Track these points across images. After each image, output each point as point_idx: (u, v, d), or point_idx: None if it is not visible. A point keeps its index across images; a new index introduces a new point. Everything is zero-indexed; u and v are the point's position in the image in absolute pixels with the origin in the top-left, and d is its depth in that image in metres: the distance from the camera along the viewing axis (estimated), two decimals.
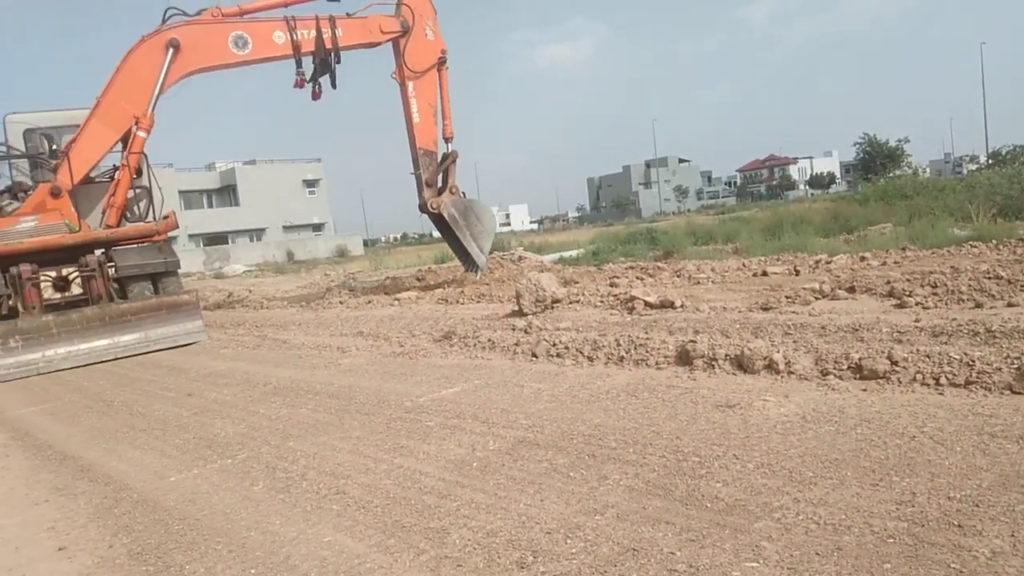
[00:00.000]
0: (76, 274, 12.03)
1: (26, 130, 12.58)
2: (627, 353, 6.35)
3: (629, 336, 6.68)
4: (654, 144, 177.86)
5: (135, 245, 12.63)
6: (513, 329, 8.11)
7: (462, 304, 11.77)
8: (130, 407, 7.45)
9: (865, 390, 4.72)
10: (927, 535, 2.76)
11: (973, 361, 4.63)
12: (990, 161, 61.40)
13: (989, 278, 7.33)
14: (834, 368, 5.11)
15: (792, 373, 5.23)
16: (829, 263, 10.74)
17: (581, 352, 6.70)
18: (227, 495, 4.26)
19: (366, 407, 5.99)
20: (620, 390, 5.44)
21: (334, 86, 13.91)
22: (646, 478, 3.66)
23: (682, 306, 7.98)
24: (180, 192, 61.64)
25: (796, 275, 10.11)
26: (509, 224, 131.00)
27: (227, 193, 71.31)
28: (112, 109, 12.12)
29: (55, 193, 11.72)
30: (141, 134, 12.29)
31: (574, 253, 20.84)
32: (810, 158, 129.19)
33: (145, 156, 12.71)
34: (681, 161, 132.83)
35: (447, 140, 14.74)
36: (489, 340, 7.87)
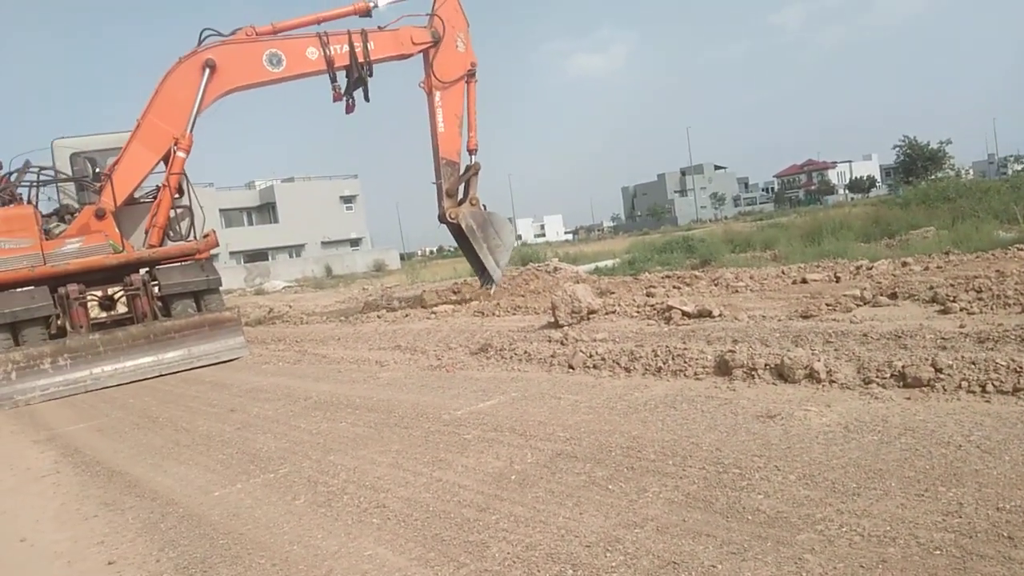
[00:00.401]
0: (121, 293, 12.32)
1: (72, 154, 12.95)
2: (665, 364, 6.31)
3: (666, 346, 6.64)
4: (689, 151, 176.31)
5: (178, 264, 12.91)
6: (549, 341, 8.12)
7: (498, 316, 11.81)
8: (175, 423, 7.60)
9: (909, 398, 4.63)
10: (975, 547, 2.70)
11: (1021, 367, 4.52)
12: None
13: None
14: (877, 376, 5.02)
15: (834, 382, 5.15)
16: (870, 269, 10.57)
17: (618, 363, 6.67)
18: (270, 509, 4.32)
19: (405, 420, 6.03)
20: (658, 401, 5.41)
21: (367, 99, 14.10)
22: (686, 490, 3.63)
23: (720, 315, 7.91)
24: (221, 211, 62.86)
25: (836, 282, 9.96)
26: (544, 235, 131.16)
27: (266, 211, 72.47)
28: (152, 131, 12.43)
29: (99, 215, 12.04)
30: (180, 154, 12.58)
31: (609, 263, 20.79)
32: (849, 162, 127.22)
33: (186, 176, 12.99)
34: (717, 168, 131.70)
35: (471, 152, 14.83)
36: (525, 352, 7.88)
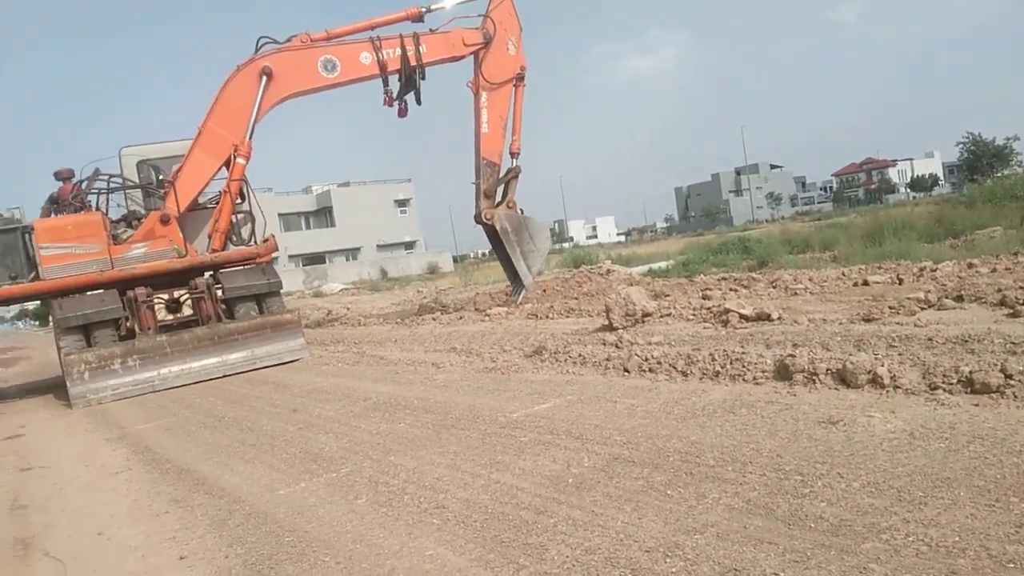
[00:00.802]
0: (187, 296, 12.71)
1: (139, 161, 13.43)
2: (723, 368, 6.25)
3: (724, 350, 6.58)
4: (744, 150, 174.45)
5: (241, 267, 13.26)
6: (604, 344, 8.11)
7: (551, 319, 11.83)
8: (240, 422, 7.82)
9: (977, 405, 4.51)
10: None
11: None
12: None
13: None
14: (943, 382, 4.90)
15: (898, 388, 5.04)
16: (934, 271, 10.27)
17: (675, 367, 6.64)
18: (333, 508, 4.43)
19: (462, 422, 6.11)
20: (717, 406, 5.37)
21: (419, 102, 14.22)
22: (746, 497, 3.61)
23: (779, 318, 7.79)
24: (279, 215, 64.28)
25: (899, 284, 9.71)
26: (596, 236, 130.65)
27: (323, 215, 73.87)
28: (212, 138, 12.79)
29: (164, 220, 12.45)
30: (240, 161, 12.91)
31: (663, 265, 20.62)
32: (910, 160, 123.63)
33: (247, 181, 13.34)
34: (773, 167, 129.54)
35: (513, 155, 14.83)
36: (580, 355, 7.89)
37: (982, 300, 7.35)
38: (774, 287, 11.10)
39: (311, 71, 13.36)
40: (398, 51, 13.65)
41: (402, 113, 14.27)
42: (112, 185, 13.29)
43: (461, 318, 14.25)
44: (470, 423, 6.03)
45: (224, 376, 11.89)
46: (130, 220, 13.23)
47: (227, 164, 12.95)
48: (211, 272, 13.21)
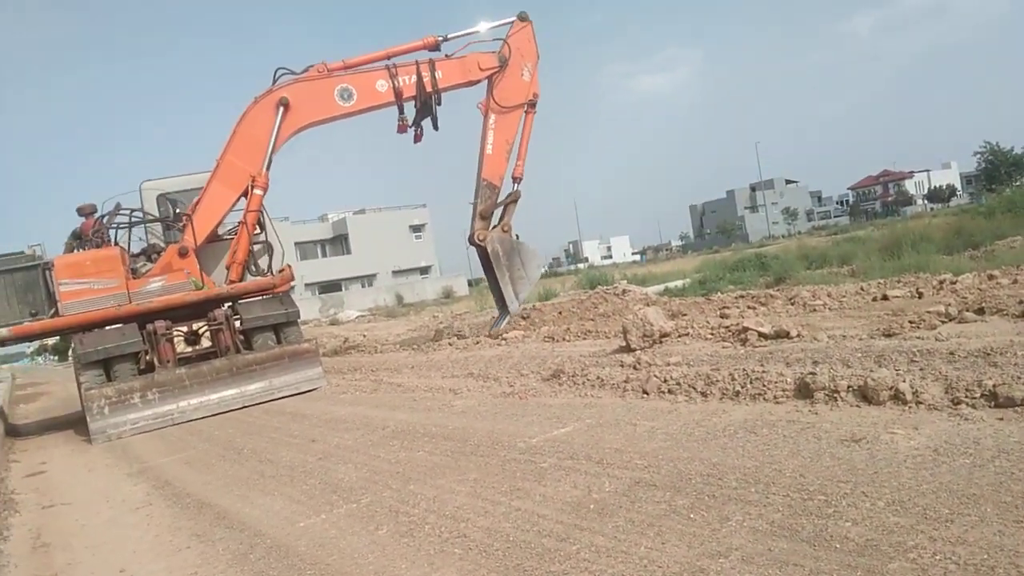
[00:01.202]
0: (205, 328, 12.79)
1: (159, 195, 13.59)
2: (743, 387, 6.20)
3: (744, 369, 6.53)
4: (758, 166, 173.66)
5: (258, 298, 13.34)
6: (622, 366, 8.07)
7: (568, 341, 11.80)
8: (259, 454, 7.83)
9: (1002, 419, 4.44)
10: None
11: None
12: None
13: None
14: (966, 396, 4.83)
15: (921, 403, 4.98)
16: (954, 283, 10.17)
17: (694, 387, 6.59)
18: (354, 539, 4.41)
19: (480, 449, 6.08)
20: (737, 426, 5.32)
21: (436, 128, 14.31)
22: (770, 518, 3.56)
23: (798, 335, 7.73)
24: (296, 244, 64.74)
25: (919, 297, 9.63)
26: (611, 257, 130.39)
27: (339, 242, 74.33)
28: (230, 170, 12.94)
29: (182, 253, 12.58)
30: (257, 192, 13.05)
31: (679, 283, 20.54)
32: (927, 171, 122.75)
33: (265, 212, 13.47)
34: (788, 182, 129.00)
35: (516, 180, 14.85)
36: (598, 378, 7.85)
37: (1003, 312, 7.26)
38: (792, 304, 11.03)
39: (328, 100, 13.50)
40: (414, 78, 13.77)
41: (417, 139, 14.36)
42: (133, 219, 13.45)
43: (477, 343, 14.25)
44: (489, 449, 6.01)
45: (243, 407, 11.92)
46: (150, 254, 13.37)
47: (245, 195, 13.08)
48: (229, 303, 13.30)
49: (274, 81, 13.28)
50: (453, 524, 4.34)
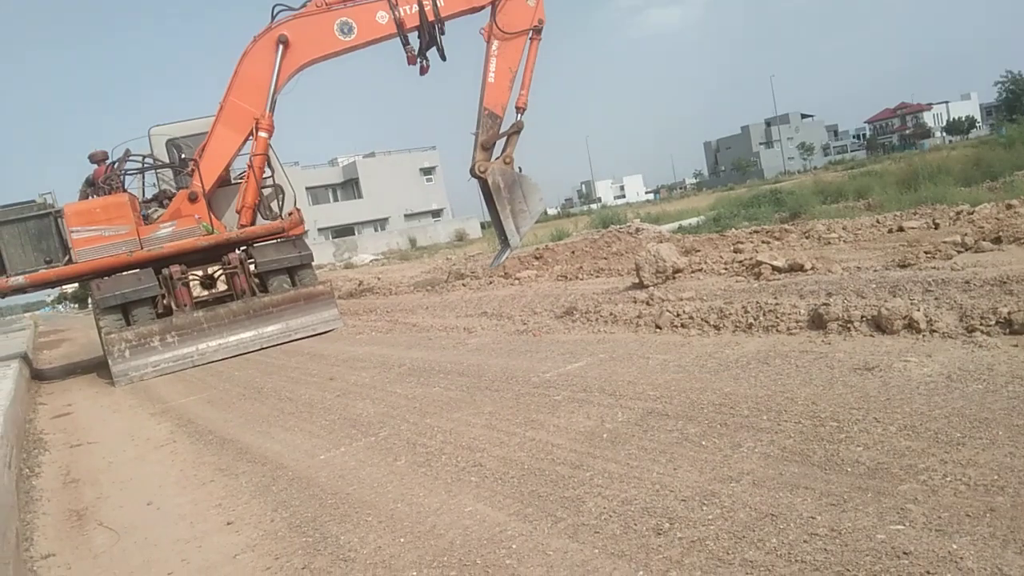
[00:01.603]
0: (221, 272, 12.88)
1: (167, 140, 13.53)
2: (755, 320, 6.21)
3: (757, 302, 6.53)
4: (774, 101, 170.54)
5: (272, 241, 13.38)
6: (635, 302, 8.08)
7: (581, 280, 11.81)
8: (278, 392, 7.96)
9: (1016, 345, 4.44)
10: None
11: None
12: None
13: None
14: (981, 324, 4.82)
15: (935, 331, 4.97)
16: (971, 214, 10.05)
17: (707, 321, 6.61)
18: (373, 470, 4.52)
19: (495, 384, 6.16)
20: (750, 358, 5.34)
21: (443, 58, 13.91)
22: (782, 444, 3.61)
23: (812, 268, 7.70)
24: (307, 188, 64.55)
25: (935, 229, 9.54)
26: (624, 196, 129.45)
27: (350, 186, 74.03)
28: (234, 112, 12.79)
29: (192, 198, 12.56)
30: (262, 135, 12.89)
31: (694, 221, 20.43)
32: (946, 103, 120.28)
33: (274, 153, 13.36)
34: (804, 117, 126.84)
35: (519, 110, 14.43)
36: (611, 314, 7.88)
37: (1021, 241, 7.18)
38: (807, 238, 10.96)
39: (328, 35, 13.21)
40: (415, 7, 13.42)
41: (424, 71, 14.00)
42: (144, 165, 13.43)
43: (491, 283, 14.29)
44: (503, 384, 6.08)
45: (261, 349, 12.08)
46: (161, 199, 13.38)
47: (252, 137, 12.97)
48: (244, 247, 13.35)
49: (272, 18, 13.01)
50: (469, 454, 4.42)
